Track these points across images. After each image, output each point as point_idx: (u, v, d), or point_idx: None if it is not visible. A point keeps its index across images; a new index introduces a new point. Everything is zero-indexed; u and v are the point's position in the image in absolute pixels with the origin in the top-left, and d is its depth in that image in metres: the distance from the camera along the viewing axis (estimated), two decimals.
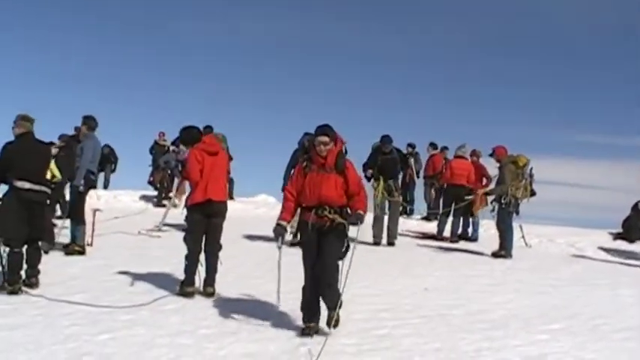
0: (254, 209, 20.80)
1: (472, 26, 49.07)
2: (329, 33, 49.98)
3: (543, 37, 49.02)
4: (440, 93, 51.51)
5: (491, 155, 14.37)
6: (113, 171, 23.22)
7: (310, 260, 7.36)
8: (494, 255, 13.75)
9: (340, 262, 7.28)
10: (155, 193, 21.44)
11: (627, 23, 45.00)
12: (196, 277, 9.03)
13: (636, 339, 8.05)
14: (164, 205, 19.01)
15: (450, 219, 16.49)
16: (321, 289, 7.34)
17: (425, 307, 9.05)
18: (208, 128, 16.25)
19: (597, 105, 48.82)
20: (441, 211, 17.14)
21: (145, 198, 21.64)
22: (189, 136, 9.40)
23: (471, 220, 16.96)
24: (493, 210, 13.97)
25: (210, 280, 9.10)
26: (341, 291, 7.32)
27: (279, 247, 7.53)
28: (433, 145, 20.49)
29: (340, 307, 7.44)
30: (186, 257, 9.02)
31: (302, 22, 49.93)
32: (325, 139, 7.30)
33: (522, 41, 49.07)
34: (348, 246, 7.33)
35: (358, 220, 7.28)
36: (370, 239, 14.53)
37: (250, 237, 14.64)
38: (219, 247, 9.25)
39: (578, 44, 48.14)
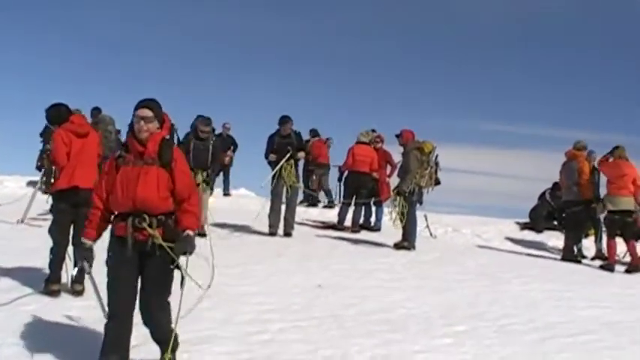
0: None
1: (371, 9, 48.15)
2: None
3: (444, 24, 48.61)
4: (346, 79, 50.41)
5: (397, 136, 13.40)
6: None
7: (126, 293, 5.29)
8: (397, 246, 12.88)
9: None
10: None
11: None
12: (63, 273, 8.00)
13: (549, 340, 7.27)
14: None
15: (352, 208, 15.60)
16: (146, 326, 5.43)
17: (317, 306, 8.07)
18: (96, 110, 15.01)
19: (501, 93, 48.80)
20: (341, 199, 16.12)
21: (32, 184, 20.00)
22: (56, 114, 8.27)
23: (374, 208, 16.12)
24: (395, 199, 13.07)
25: (78, 276, 7.87)
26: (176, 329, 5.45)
27: (88, 273, 5.89)
28: (313, 132, 19.79)
29: (176, 349, 5.53)
30: (51, 251, 7.96)
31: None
32: (147, 112, 5.28)
33: (424, 27, 48.67)
34: (183, 278, 5.29)
35: (186, 247, 5.20)
36: (266, 228, 13.49)
37: None
38: None
39: (481, 31, 47.90)
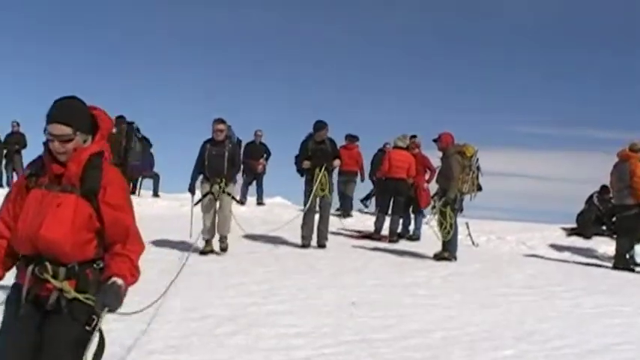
0: (179, 207, 18.88)
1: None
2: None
3: (479, 20, 47.47)
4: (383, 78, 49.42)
5: (435, 141, 12.67)
6: None
7: None
8: (437, 257, 12.19)
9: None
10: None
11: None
12: None
13: None
14: None
15: (389, 216, 14.94)
16: None
17: (348, 329, 7.35)
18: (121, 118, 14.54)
19: (542, 94, 47.51)
20: (378, 207, 15.40)
21: None
22: None
23: (413, 217, 15.42)
24: (434, 207, 12.36)
25: None
26: None
27: None
28: (350, 138, 18.45)
29: None
30: None
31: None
32: (63, 130, 3.58)
33: (469, 26, 47.47)
34: (101, 346, 3.66)
35: (111, 301, 3.50)
36: (298, 240, 12.88)
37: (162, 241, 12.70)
38: None
39: (520, 28, 46.65)
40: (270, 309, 7.99)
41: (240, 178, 19.84)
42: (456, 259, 12.15)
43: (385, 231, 14.90)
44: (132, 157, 17.52)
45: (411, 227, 15.43)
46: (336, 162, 13.02)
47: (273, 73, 47.94)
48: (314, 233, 12.80)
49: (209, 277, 9.60)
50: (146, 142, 19.08)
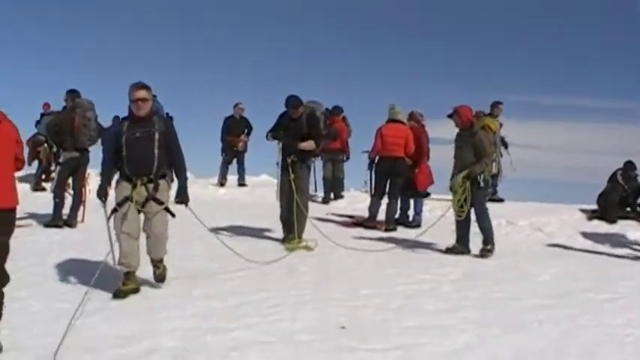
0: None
1: None
2: None
3: None
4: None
5: (451, 116, 10.56)
6: None
7: None
8: (450, 251, 10.36)
9: None
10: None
11: None
12: None
13: None
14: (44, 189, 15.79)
15: (385, 200, 12.97)
16: None
17: None
18: (73, 93, 12.41)
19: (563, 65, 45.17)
20: (372, 190, 13.35)
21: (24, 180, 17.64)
22: None
23: (412, 200, 13.44)
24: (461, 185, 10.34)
25: None
26: None
27: None
28: (336, 109, 16.47)
29: None
30: None
31: None
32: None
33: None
34: None
35: None
36: (280, 230, 11.05)
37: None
38: (5, 281, 5.67)
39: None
40: (233, 337, 6.02)
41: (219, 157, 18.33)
42: (469, 252, 10.43)
43: (381, 216, 12.96)
44: None
45: (411, 212, 13.45)
46: (305, 144, 10.60)
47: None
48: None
49: (158, 289, 7.65)
50: None
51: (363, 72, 45.52)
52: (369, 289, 7.91)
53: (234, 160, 18.50)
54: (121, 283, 7.37)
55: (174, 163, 7.66)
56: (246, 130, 18.29)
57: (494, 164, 10.37)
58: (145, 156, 7.37)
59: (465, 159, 10.24)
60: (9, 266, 8.31)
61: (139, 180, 7.40)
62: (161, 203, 7.49)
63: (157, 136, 7.38)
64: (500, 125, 12.50)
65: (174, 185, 7.80)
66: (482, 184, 10.29)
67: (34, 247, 9.72)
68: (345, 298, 7.51)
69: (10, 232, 5.60)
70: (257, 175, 20.12)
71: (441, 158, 13.06)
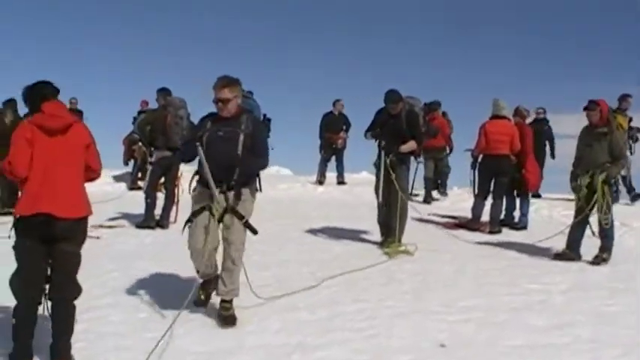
0: None
1: None
2: None
3: None
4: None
5: (590, 109, 9.57)
6: None
7: None
8: (559, 257, 9.73)
9: None
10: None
11: None
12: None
13: None
14: (140, 187, 15.33)
15: (489, 201, 12.32)
16: None
17: None
18: (164, 91, 12.27)
19: None
20: (475, 190, 12.70)
21: (120, 178, 17.83)
22: (32, 97, 5.42)
23: (518, 200, 12.72)
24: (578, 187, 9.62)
25: (61, 349, 5.17)
26: None
27: None
28: (433, 105, 15.78)
29: None
30: (15, 313, 5.10)
31: None
32: None
33: None
34: None
35: None
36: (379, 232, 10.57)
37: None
38: (76, 292, 5.33)
39: None
40: (322, 357, 5.63)
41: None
42: (580, 258, 9.68)
43: (485, 217, 12.32)
44: None
45: (516, 213, 12.73)
46: (406, 146, 10.00)
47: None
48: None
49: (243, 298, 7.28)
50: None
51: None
52: (471, 300, 7.36)
53: (333, 158, 18.11)
54: (200, 292, 6.82)
55: (254, 169, 6.59)
56: (345, 127, 17.88)
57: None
58: (226, 159, 6.27)
59: (596, 159, 9.42)
60: (95, 269, 8.28)
61: (218, 187, 6.32)
62: (241, 217, 6.38)
63: (241, 137, 6.34)
64: (630, 120, 11.56)
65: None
66: (614, 187, 9.57)
67: (123, 250, 9.59)
68: (444, 310, 6.98)
69: (81, 242, 5.36)
70: (357, 172, 19.73)
71: None
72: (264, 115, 11.58)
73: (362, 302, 7.22)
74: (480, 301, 7.36)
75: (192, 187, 6.67)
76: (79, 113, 18.67)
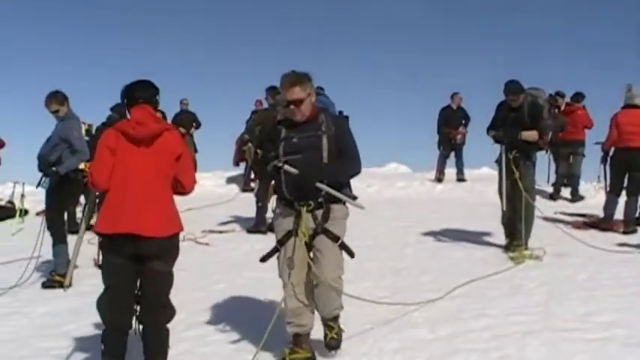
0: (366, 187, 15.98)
1: None
2: None
3: None
4: None
5: None
6: None
7: None
8: None
9: None
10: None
11: None
12: None
13: None
14: (253, 189, 14.99)
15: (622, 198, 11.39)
16: None
17: None
18: (273, 89, 11.89)
19: None
20: (607, 186, 11.78)
21: (232, 180, 17.74)
22: (122, 100, 5.09)
23: None
24: None
25: None
26: None
27: None
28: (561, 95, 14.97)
29: None
30: (103, 338, 4.76)
31: None
32: None
33: None
34: None
35: None
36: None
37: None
38: (169, 316, 4.89)
39: None
40: None
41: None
42: None
43: (618, 216, 11.42)
44: None
45: None
46: (527, 133, 9.31)
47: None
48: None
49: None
50: None
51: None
52: (611, 315, 6.60)
53: (452, 154, 17.40)
54: (287, 350, 5.48)
55: (339, 175, 5.39)
56: (464, 121, 17.15)
57: None
58: (310, 170, 5.19)
59: None
60: (202, 280, 8.01)
61: (303, 205, 5.31)
62: (336, 238, 5.33)
63: (324, 141, 5.27)
64: None
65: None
66: None
67: (232, 258, 9.35)
68: (580, 327, 6.26)
69: (173, 259, 4.88)
70: (477, 168, 18.93)
71: None
72: (340, 113, 10.84)
73: (487, 317, 6.61)
74: (621, 316, 6.57)
75: (272, 204, 5.76)
76: (191, 114, 18.66)
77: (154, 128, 4.83)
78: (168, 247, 4.78)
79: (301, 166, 5.15)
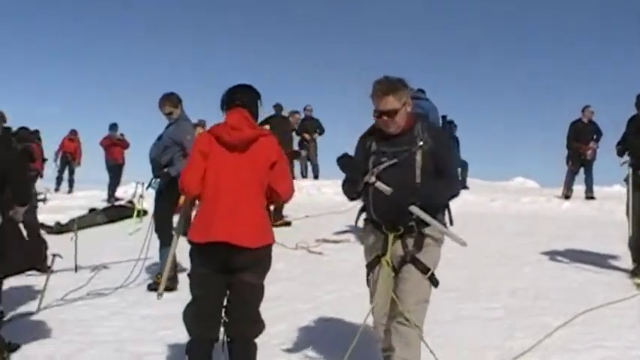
0: (489, 202, 15.57)
1: None
2: None
3: None
4: None
5: None
6: None
7: None
8: None
9: None
10: None
11: None
12: None
13: None
14: None
15: None
16: None
17: None
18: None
19: None
20: None
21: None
22: (221, 103, 4.88)
23: None
24: None
25: None
26: None
27: None
28: None
29: None
30: (188, 350, 4.62)
31: None
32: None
33: None
34: None
35: None
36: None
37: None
38: (257, 330, 4.68)
39: None
40: None
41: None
42: None
43: None
44: None
45: None
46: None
47: None
48: None
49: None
50: None
51: None
52: None
53: (582, 170, 16.62)
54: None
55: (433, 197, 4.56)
56: (595, 136, 16.34)
57: None
58: (400, 191, 4.43)
59: None
60: (312, 290, 7.87)
61: (391, 230, 4.64)
62: (426, 270, 4.57)
63: (418, 158, 4.52)
64: None
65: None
66: None
67: (342, 268, 9.22)
68: None
69: (264, 271, 4.67)
70: (609, 185, 18.08)
71: None
72: (444, 118, 9.20)
73: (605, 349, 6.16)
74: None
75: (360, 225, 5.04)
76: (315, 121, 18.73)
77: (249, 134, 4.65)
78: (260, 259, 4.60)
79: (393, 185, 4.43)
